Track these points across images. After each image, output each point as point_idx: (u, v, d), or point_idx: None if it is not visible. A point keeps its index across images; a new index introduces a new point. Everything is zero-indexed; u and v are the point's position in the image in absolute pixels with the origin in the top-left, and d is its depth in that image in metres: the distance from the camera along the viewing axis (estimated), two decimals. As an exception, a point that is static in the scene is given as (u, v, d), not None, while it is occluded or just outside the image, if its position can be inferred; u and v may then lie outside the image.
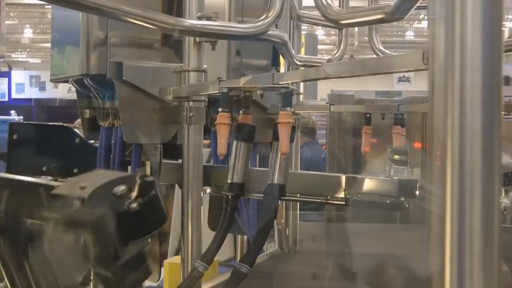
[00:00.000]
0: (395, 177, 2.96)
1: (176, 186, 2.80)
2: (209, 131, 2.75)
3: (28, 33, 22.76)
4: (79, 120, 8.20)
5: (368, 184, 2.99)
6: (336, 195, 2.98)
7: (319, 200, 3.42)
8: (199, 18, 2.29)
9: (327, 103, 5.37)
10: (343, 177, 3.00)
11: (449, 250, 0.86)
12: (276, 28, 2.76)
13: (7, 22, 21.13)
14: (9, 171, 2.84)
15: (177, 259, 2.65)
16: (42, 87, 20.03)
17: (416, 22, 20.16)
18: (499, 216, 0.87)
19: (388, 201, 3.00)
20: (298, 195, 3.25)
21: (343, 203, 3.02)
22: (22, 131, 2.81)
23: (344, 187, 2.92)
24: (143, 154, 2.60)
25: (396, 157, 3.11)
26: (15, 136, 2.76)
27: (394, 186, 2.95)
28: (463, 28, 0.86)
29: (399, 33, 22.06)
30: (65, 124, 3.34)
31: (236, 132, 2.15)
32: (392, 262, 3.38)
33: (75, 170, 2.81)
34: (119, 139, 2.61)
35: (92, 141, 2.88)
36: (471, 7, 0.86)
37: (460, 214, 0.86)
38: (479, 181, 0.86)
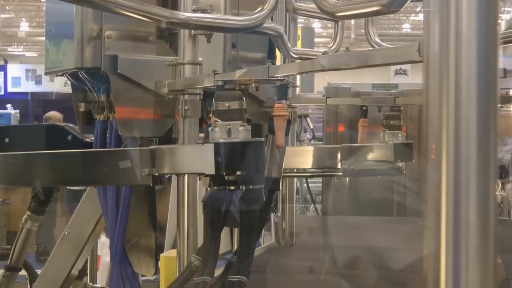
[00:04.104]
0: (390, 142, 2.98)
1: (173, 178, 2.79)
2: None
3: (24, 26, 22.69)
4: (49, 114, 8.15)
5: (364, 151, 3.00)
6: (333, 166, 3.00)
7: (316, 173, 3.43)
8: (194, 10, 2.27)
9: (323, 96, 5.38)
10: (339, 148, 3.01)
11: (445, 243, 0.86)
12: (272, 20, 2.75)
13: (3, 15, 21.10)
14: None
15: (173, 252, 2.64)
16: (38, 81, 19.97)
17: (413, 14, 20.15)
18: (495, 209, 0.86)
19: (385, 167, 3.02)
20: (295, 170, 3.27)
21: (341, 173, 3.04)
22: (13, 134, 2.81)
23: (340, 158, 2.93)
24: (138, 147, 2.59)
25: (389, 122, 3.12)
26: (7, 140, 2.76)
27: (390, 150, 2.97)
28: (458, 19, 0.85)
29: (396, 25, 22.05)
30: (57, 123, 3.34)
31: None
32: (388, 255, 3.37)
33: None
34: (114, 132, 2.61)
35: (85, 136, 2.87)
36: (467, -2, 0.85)
37: (456, 207, 0.85)
38: (474, 173, 0.85)
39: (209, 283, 1.78)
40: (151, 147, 1.92)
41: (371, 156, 3.01)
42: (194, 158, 1.79)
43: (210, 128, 1.73)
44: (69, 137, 2.81)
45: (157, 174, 1.86)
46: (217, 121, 1.70)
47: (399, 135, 3.04)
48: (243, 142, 1.68)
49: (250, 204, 1.77)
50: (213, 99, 1.77)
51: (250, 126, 1.71)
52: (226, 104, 1.71)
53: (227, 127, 1.68)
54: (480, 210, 0.85)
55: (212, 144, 1.69)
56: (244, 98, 1.76)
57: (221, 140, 1.68)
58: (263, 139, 1.72)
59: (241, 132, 1.69)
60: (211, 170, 1.70)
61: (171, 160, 1.87)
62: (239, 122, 1.69)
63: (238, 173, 1.69)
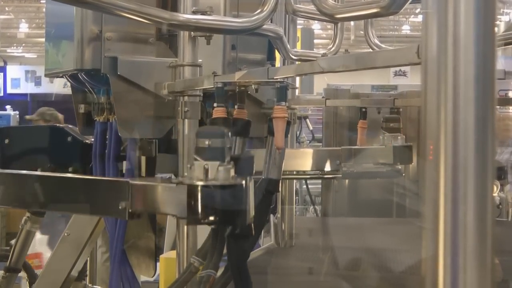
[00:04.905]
0: (389, 144, 2.99)
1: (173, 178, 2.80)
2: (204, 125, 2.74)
3: (23, 27, 22.70)
4: (39, 110, 8.12)
5: (364, 154, 3.01)
6: (333, 169, 3.01)
7: (316, 176, 3.45)
8: (194, 12, 2.28)
9: (323, 97, 5.39)
10: (339, 150, 3.01)
11: (443, 244, 0.86)
12: (271, 22, 2.76)
13: (2, 16, 21.11)
14: None
15: (172, 254, 2.65)
16: (37, 82, 19.98)
17: (412, 16, 20.18)
18: (492, 211, 0.87)
19: (384, 170, 3.03)
20: (295, 172, 3.28)
21: (340, 175, 3.04)
22: (14, 135, 2.81)
23: (340, 160, 2.94)
24: (138, 149, 2.60)
25: (389, 124, 3.13)
26: (6, 141, 2.77)
27: (389, 153, 2.98)
28: (456, 22, 0.85)
29: (395, 27, 22.08)
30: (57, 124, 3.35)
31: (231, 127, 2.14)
32: (387, 256, 3.38)
33: (70, 169, 2.81)
34: (114, 134, 2.61)
35: (85, 137, 2.88)
36: (464, 1, 0.85)
37: (454, 209, 0.86)
38: (472, 175, 0.86)
39: (213, 276, 1.76)
40: (129, 179, 1.76)
41: (370, 158, 3.02)
42: (167, 199, 1.64)
43: (188, 166, 1.59)
44: (69, 139, 2.81)
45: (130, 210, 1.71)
46: (196, 159, 1.55)
47: (399, 137, 3.05)
48: (221, 185, 1.51)
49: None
50: (195, 135, 1.62)
51: (231, 166, 1.54)
52: (206, 142, 1.55)
53: (205, 166, 1.52)
54: (478, 212, 0.86)
55: (186, 186, 1.53)
56: (229, 135, 1.60)
57: (197, 182, 1.52)
58: (243, 182, 1.54)
59: (220, 174, 1.52)
60: (183, 213, 1.55)
61: (145, 197, 1.72)
62: (218, 163, 1.52)
63: (212, 218, 1.53)
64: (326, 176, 3.14)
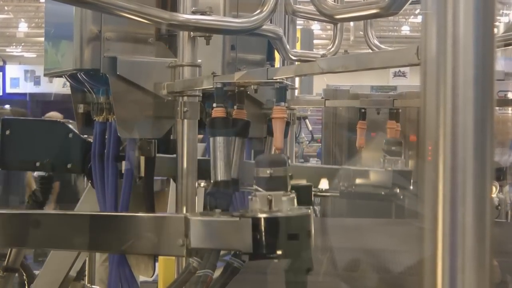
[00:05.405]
0: (389, 168, 2.99)
1: (171, 180, 2.80)
2: (204, 126, 2.74)
3: (23, 27, 22.70)
4: (49, 114, 8.14)
5: (363, 175, 3.01)
6: (331, 187, 3.01)
7: (313, 193, 3.45)
8: (194, 12, 2.28)
9: (322, 97, 5.39)
10: (338, 169, 3.02)
11: (441, 245, 0.86)
12: (271, 22, 2.76)
13: (1, 16, 21.09)
14: (2, 167, 2.84)
15: (171, 254, 2.64)
16: (37, 82, 19.98)
17: (412, 16, 20.18)
18: (491, 212, 0.87)
19: (382, 192, 3.03)
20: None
21: (337, 194, 3.04)
22: (15, 127, 2.81)
23: (338, 179, 2.95)
24: (137, 149, 2.60)
25: (390, 148, 3.13)
26: (8, 132, 2.77)
27: (388, 177, 2.98)
28: (455, 23, 0.86)
29: (395, 27, 22.08)
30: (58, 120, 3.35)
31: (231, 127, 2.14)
32: (386, 257, 3.38)
33: (69, 165, 2.81)
34: (113, 134, 2.61)
35: (86, 135, 2.88)
36: (464, 2, 0.85)
37: (452, 210, 0.86)
38: (471, 177, 0.86)
39: (210, 276, 1.75)
40: (185, 215, 1.70)
41: (369, 180, 3.03)
42: (230, 234, 1.59)
43: (249, 197, 1.55)
44: (70, 135, 2.81)
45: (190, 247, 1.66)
46: (257, 190, 1.52)
47: (399, 161, 3.06)
48: (286, 217, 1.47)
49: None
50: (255, 164, 1.57)
51: (294, 195, 1.51)
52: (268, 171, 1.51)
53: (268, 197, 1.49)
54: (477, 213, 0.86)
55: (250, 219, 1.49)
56: (288, 164, 1.57)
57: (261, 215, 1.48)
58: (309, 211, 1.49)
59: (284, 204, 1.48)
60: (248, 248, 1.51)
61: (205, 233, 1.66)
62: (282, 193, 1.50)
63: (279, 252, 1.49)
64: (323, 194, 3.15)
